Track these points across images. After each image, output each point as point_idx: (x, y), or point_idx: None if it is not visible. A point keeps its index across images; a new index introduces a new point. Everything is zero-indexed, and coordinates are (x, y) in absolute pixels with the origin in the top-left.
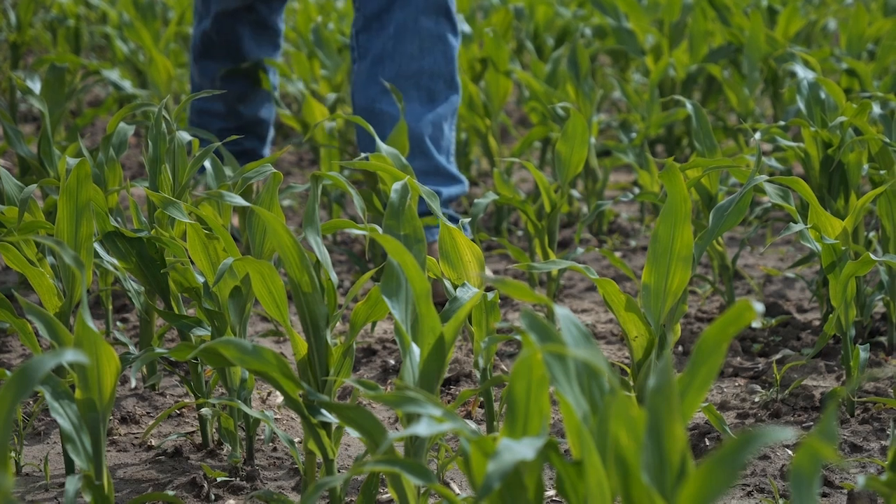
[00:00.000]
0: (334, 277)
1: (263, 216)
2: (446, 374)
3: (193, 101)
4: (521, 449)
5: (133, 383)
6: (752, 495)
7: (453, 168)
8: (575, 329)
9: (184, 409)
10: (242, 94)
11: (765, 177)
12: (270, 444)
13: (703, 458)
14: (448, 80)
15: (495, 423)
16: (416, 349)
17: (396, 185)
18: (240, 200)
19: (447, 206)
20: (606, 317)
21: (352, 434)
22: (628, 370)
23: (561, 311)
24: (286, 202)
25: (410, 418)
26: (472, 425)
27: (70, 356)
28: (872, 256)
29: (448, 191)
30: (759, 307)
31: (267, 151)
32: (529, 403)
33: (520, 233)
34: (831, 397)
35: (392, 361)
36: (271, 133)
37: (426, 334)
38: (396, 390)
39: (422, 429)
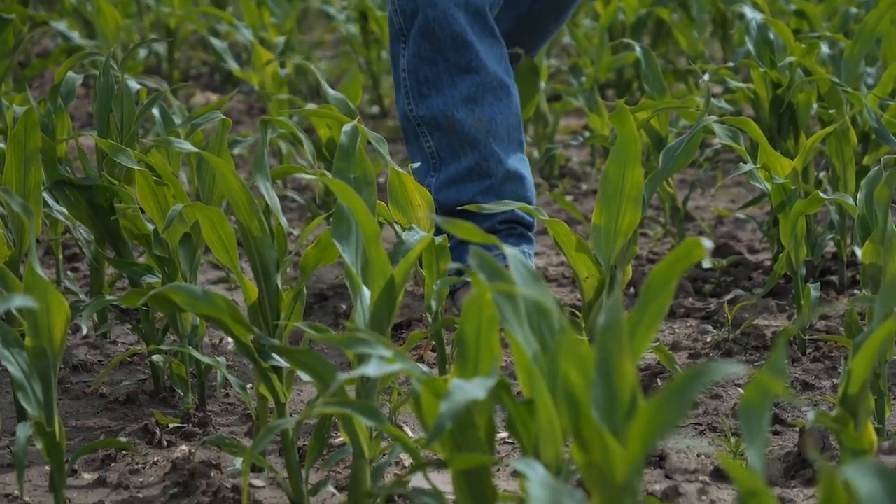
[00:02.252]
0: (284, 222)
1: (212, 162)
2: (398, 319)
3: None
4: (473, 389)
5: (84, 331)
6: (704, 434)
7: None
8: (524, 269)
9: (135, 357)
10: None
11: (714, 118)
12: (223, 390)
13: (653, 394)
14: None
15: (447, 366)
16: (366, 292)
17: (346, 128)
18: (188, 146)
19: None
20: (558, 260)
21: (304, 378)
22: (580, 313)
23: (510, 250)
24: (236, 151)
25: (361, 360)
26: (425, 369)
27: (19, 301)
28: (821, 195)
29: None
30: (708, 244)
31: None
32: (480, 344)
33: None
34: (782, 335)
35: (344, 307)
36: None
37: (376, 277)
38: (347, 332)
39: (371, 369)
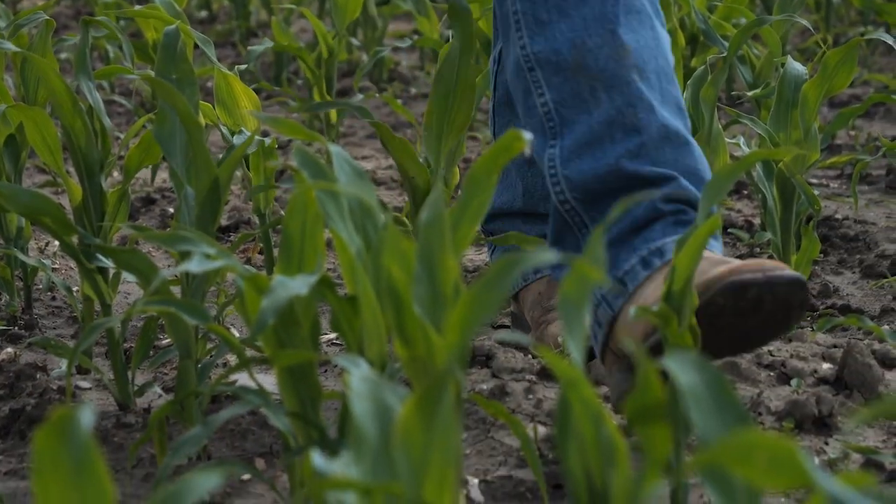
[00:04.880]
0: (108, 122)
1: (35, 62)
2: (226, 222)
3: None
4: (295, 285)
5: None
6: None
7: None
8: (348, 167)
9: None
10: None
11: None
12: (49, 293)
13: (470, 285)
14: None
15: (274, 268)
16: (190, 192)
17: (167, 29)
18: (11, 46)
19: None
20: (387, 163)
21: (130, 280)
22: (407, 218)
23: (334, 148)
24: (63, 55)
25: (185, 259)
26: (253, 271)
27: None
28: None
29: None
30: (528, 136)
31: None
32: (304, 241)
33: (299, 82)
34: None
35: (171, 210)
36: None
37: (201, 177)
38: (170, 230)
39: (193, 265)
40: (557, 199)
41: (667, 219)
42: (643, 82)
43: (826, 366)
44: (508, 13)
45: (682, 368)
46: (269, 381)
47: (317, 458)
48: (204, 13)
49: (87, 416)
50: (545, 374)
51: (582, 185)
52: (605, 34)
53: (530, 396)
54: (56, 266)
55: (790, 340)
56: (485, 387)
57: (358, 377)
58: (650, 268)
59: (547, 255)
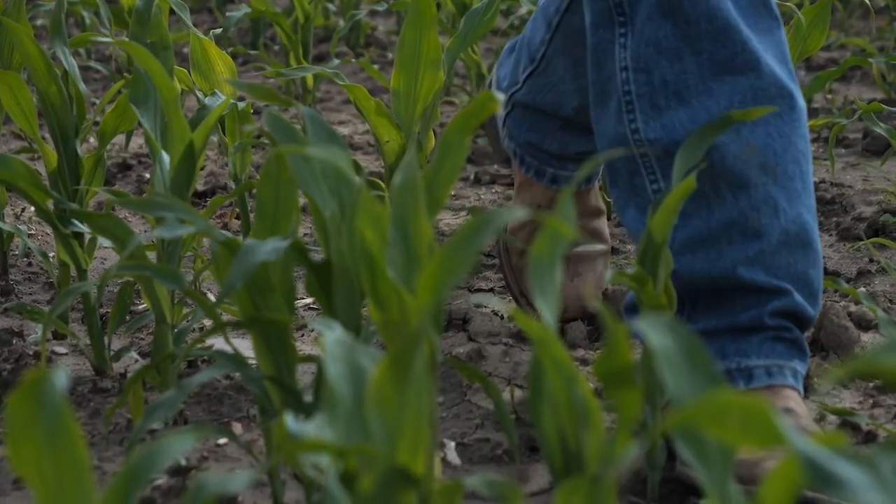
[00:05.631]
0: (83, 87)
1: (10, 27)
2: (202, 187)
3: None
4: (265, 249)
5: None
6: (508, 300)
7: None
8: (322, 130)
9: None
10: None
11: None
12: (25, 259)
13: (442, 244)
14: None
15: (249, 233)
16: (165, 157)
17: None
18: None
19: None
20: (364, 128)
21: (106, 246)
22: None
23: (308, 112)
24: (39, 22)
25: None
26: (228, 236)
27: None
28: None
29: None
30: (500, 96)
31: None
32: (278, 205)
33: (276, 48)
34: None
35: (148, 175)
36: None
37: (176, 142)
38: (145, 195)
39: (167, 230)
40: None
41: (768, 333)
42: (771, 183)
43: None
44: (617, 87)
45: (656, 330)
46: (245, 345)
47: (290, 420)
48: None
49: (60, 379)
50: (522, 338)
51: (690, 282)
52: (731, 132)
53: (507, 359)
54: (32, 232)
55: None
56: (462, 350)
57: (332, 340)
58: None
59: (516, 213)
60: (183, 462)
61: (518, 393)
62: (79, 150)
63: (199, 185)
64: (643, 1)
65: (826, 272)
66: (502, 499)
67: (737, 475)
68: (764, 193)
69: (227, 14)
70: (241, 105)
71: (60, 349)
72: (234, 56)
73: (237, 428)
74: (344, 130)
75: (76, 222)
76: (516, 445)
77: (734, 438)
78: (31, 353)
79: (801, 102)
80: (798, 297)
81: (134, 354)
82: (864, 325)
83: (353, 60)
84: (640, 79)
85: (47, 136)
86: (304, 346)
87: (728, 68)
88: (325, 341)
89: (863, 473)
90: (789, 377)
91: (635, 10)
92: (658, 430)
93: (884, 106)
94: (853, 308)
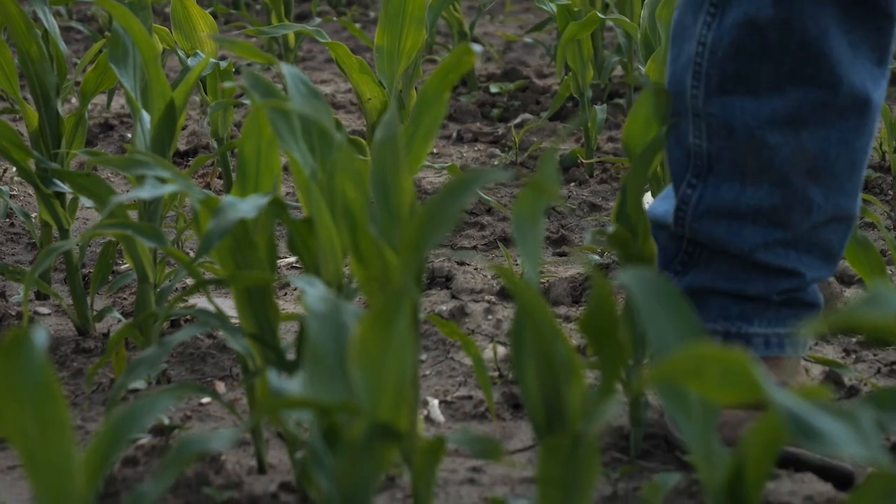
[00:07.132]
0: (63, 47)
1: None
2: (185, 147)
3: None
4: (244, 206)
5: None
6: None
7: None
8: (303, 87)
9: None
10: None
11: None
12: (7, 219)
13: (424, 202)
14: None
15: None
16: (146, 116)
17: None
18: None
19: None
20: (346, 87)
21: (88, 206)
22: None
23: (288, 69)
24: None
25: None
26: (210, 195)
27: None
28: (599, 14)
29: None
30: (478, 48)
31: None
32: (260, 163)
33: (258, 7)
34: (569, 158)
35: (129, 136)
36: None
37: (156, 100)
38: (126, 154)
39: (147, 189)
40: (675, 229)
41: (773, 300)
42: (813, 185)
43: None
44: (691, 42)
45: (638, 284)
46: (228, 304)
47: (273, 377)
48: None
49: (41, 339)
50: (504, 295)
51: (707, 244)
52: (789, 134)
53: (490, 317)
54: (14, 192)
55: None
56: (444, 308)
57: (314, 297)
58: None
59: (498, 174)
60: (166, 421)
61: (501, 350)
62: (60, 110)
63: (182, 145)
64: (731, 6)
65: None
66: (484, 455)
67: (722, 437)
68: (802, 195)
69: None
70: (223, 64)
71: (43, 309)
72: (215, 15)
73: (220, 387)
74: (326, 89)
75: (58, 182)
76: (500, 403)
77: (714, 392)
78: (13, 313)
79: (878, 101)
80: (811, 289)
81: (117, 314)
82: (847, 279)
83: (335, 19)
84: (711, 58)
85: (28, 96)
86: (286, 305)
87: (808, 80)
88: (307, 299)
89: (843, 426)
90: (787, 347)
91: (726, 6)
92: (639, 385)
93: None
94: None
